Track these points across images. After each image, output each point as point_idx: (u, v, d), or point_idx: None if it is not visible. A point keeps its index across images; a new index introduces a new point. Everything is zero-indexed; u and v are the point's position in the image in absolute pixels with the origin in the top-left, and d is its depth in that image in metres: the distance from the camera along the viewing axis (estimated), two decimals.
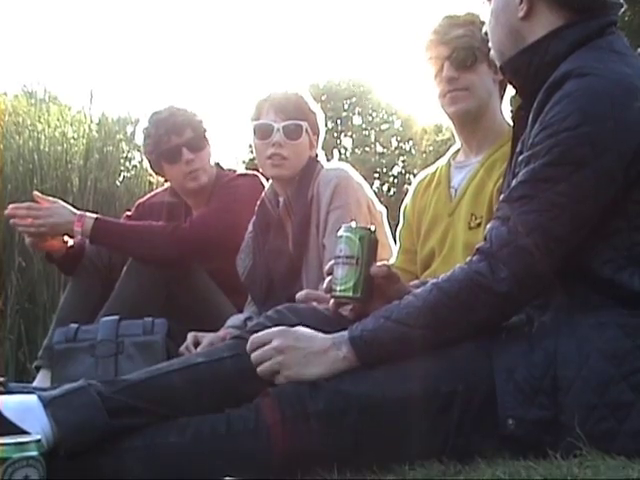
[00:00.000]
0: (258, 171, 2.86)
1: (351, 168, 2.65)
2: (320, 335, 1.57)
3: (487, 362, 1.47)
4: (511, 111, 1.67)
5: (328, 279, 1.70)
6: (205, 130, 2.91)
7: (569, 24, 1.56)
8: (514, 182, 1.51)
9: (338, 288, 1.66)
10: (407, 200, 2.56)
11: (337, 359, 1.53)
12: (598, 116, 1.43)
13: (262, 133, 2.60)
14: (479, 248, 1.50)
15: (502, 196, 1.54)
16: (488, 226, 1.52)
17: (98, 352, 2.33)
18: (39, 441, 1.30)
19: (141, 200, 3.12)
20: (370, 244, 1.67)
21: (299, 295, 1.96)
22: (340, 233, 1.69)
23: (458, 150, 2.48)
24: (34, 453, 1.27)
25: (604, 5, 1.57)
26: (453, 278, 1.49)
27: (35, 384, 2.52)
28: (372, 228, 1.72)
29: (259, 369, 1.56)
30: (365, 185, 2.63)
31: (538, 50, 1.57)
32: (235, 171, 3.02)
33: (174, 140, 2.85)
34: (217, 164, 2.98)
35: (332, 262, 1.69)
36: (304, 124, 2.60)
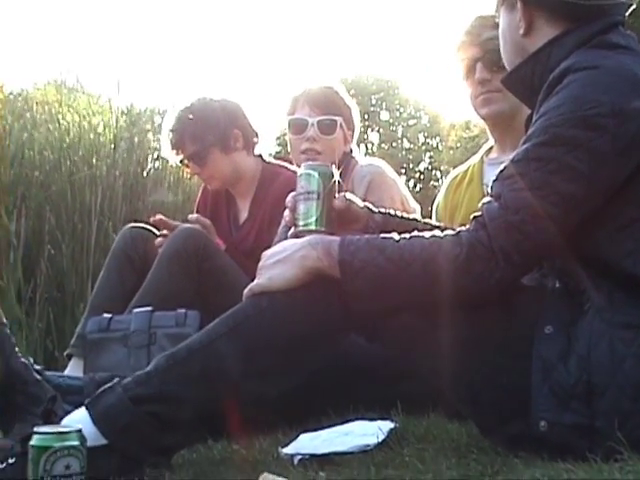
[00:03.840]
0: (291, 162, 2.86)
1: (385, 164, 2.64)
2: (301, 240, 1.58)
3: (527, 355, 1.46)
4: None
5: (288, 213, 1.70)
6: (218, 136, 2.84)
7: (569, 30, 1.57)
8: (507, 162, 1.50)
9: (301, 223, 1.67)
10: (439, 198, 2.56)
11: (310, 256, 1.53)
12: (593, 101, 1.42)
13: (296, 128, 2.60)
14: (475, 217, 1.48)
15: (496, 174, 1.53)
16: (483, 200, 1.51)
17: (131, 343, 2.34)
18: (80, 431, 1.31)
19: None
20: (329, 179, 1.68)
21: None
22: (300, 172, 1.70)
23: (491, 147, 2.47)
24: (75, 443, 1.28)
25: (602, 10, 1.57)
26: (456, 241, 1.47)
27: (67, 372, 2.53)
28: (330, 165, 1.73)
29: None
30: (399, 181, 2.63)
31: (540, 58, 1.58)
32: (280, 165, 2.96)
33: (180, 155, 2.89)
34: (260, 156, 2.96)
35: (292, 198, 1.69)
36: (339, 119, 2.60)
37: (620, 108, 1.42)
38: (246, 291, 1.60)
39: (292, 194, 1.70)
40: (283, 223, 2.63)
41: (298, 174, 1.70)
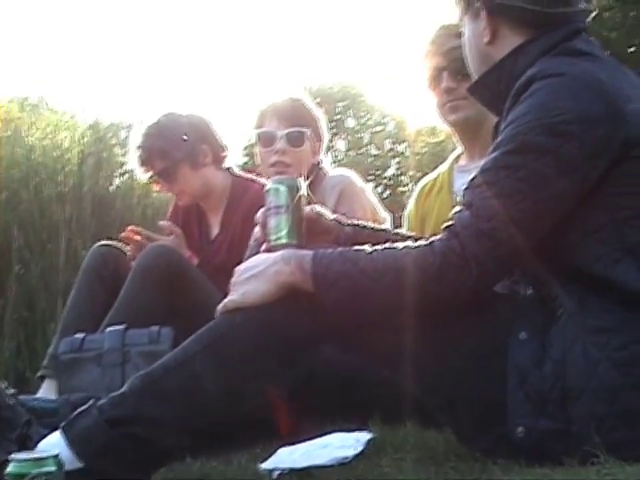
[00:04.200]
0: (258, 175, 2.85)
1: (354, 174, 2.65)
2: (273, 254, 1.58)
3: (501, 361, 1.47)
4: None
5: (259, 230, 1.72)
6: (185, 152, 2.83)
7: (534, 38, 1.59)
8: (477, 170, 1.52)
9: (272, 237, 1.67)
10: (410, 206, 2.58)
11: (283, 272, 1.52)
12: (559, 108, 1.44)
13: (265, 141, 2.60)
14: (447, 226, 1.49)
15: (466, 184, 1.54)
16: (454, 209, 1.52)
17: (105, 362, 2.31)
18: (57, 456, 1.29)
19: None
20: (297, 191, 1.68)
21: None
22: (267, 187, 1.70)
23: (460, 155, 2.49)
24: (52, 468, 1.26)
25: (565, 17, 1.59)
26: (429, 250, 1.47)
27: (40, 394, 2.50)
28: (297, 177, 1.73)
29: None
30: (369, 191, 2.65)
31: (506, 66, 1.60)
32: (249, 179, 2.96)
33: (149, 172, 2.89)
34: (229, 169, 2.96)
35: (262, 214, 1.70)
36: (307, 131, 2.61)
37: (586, 115, 1.44)
38: (220, 307, 1.59)
39: (261, 210, 1.70)
40: (253, 238, 2.63)
41: (266, 189, 1.70)
